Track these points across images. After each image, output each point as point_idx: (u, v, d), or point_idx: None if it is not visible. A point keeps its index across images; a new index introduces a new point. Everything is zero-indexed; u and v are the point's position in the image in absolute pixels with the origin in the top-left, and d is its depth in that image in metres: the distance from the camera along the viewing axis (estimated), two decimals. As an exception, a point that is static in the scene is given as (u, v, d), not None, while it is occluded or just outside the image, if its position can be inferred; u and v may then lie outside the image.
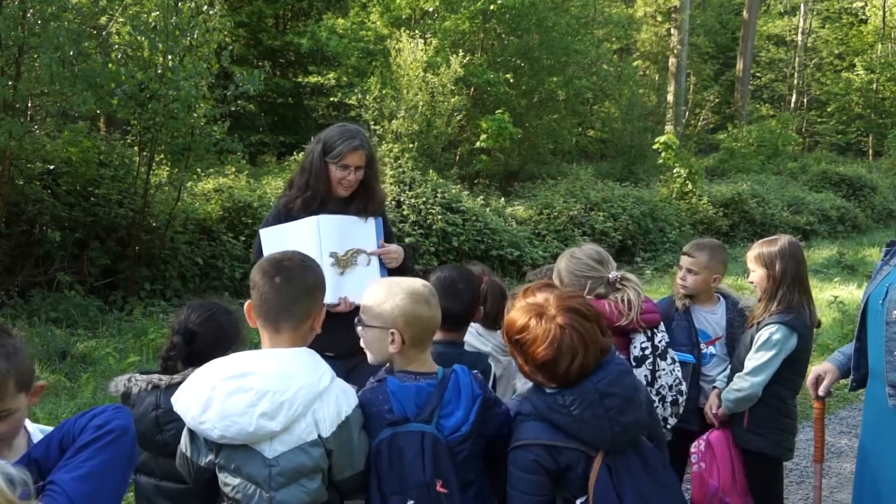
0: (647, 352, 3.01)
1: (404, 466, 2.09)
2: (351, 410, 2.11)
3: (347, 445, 2.10)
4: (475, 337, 2.94)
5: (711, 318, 3.56)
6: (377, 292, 2.28)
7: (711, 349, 3.52)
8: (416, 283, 2.32)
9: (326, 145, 3.33)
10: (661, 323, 3.13)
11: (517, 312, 2.21)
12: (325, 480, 2.11)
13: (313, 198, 3.33)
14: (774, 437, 3.27)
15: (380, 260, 3.37)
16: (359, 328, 2.31)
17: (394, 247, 3.43)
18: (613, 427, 2.07)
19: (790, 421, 3.32)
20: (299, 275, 2.18)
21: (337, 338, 2.83)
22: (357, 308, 2.86)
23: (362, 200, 3.41)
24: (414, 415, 2.13)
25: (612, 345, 2.25)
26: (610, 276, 2.99)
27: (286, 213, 3.35)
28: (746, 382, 3.21)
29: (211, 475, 2.13)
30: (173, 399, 2.12)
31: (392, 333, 2.22)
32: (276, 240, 3.23)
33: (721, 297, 3.61)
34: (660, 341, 3.05)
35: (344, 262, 3.29)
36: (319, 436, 2.05)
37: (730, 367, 3.42)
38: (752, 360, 3.22)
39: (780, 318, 3.20)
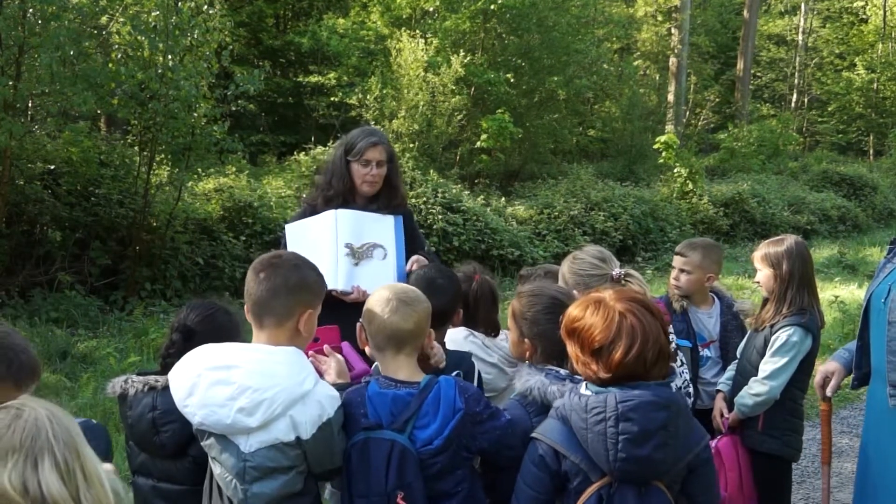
0: None
1: (370, 472, 2.10)
2: (333, 413, 2.12)
3: (326, 444, 2.11)
4: (481, 348, 2.89)
5: (707, 321, 3.52)
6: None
7: (707, 352, 3.48)
8: (395, 286, 2.36)
9: (348, 145, 3.50)
10: (671, 325, 3.12)
11: (575, 306, 2.17)
12: (302, 473, 2.12)
13: (335, 195, 3.49)
14: (787, 438, 3.25)
15: (397, 256, 3.44)
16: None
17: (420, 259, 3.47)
18: (618, 453, 1.96)
19: (800, 421, 3.31)
20: (283, 272, 2.20)
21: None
22: None
23: (385, 198, 3.55)
24: (388, 422, 2.13)
25: (671, 373, 2.17)
26: (613, 273, 2.99)
27: (311, 210, 3.53)
28: (766, 387, 3.16)
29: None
30: (170, 375, 2.17)
31: (360, 329, 2.33)
32: (298, 234, 3.45)
33: (716, 299, 3.57)
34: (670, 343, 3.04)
35: (359, 253, 3.39)
36: (298, 438, 2.06)
37: (734, 369, 3.39)
38: (770, 363, 3.17)
39: (796, 320, 3.17)
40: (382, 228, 3.46)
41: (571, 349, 2.15)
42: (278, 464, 2.06)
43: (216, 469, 2.13)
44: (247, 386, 2.03)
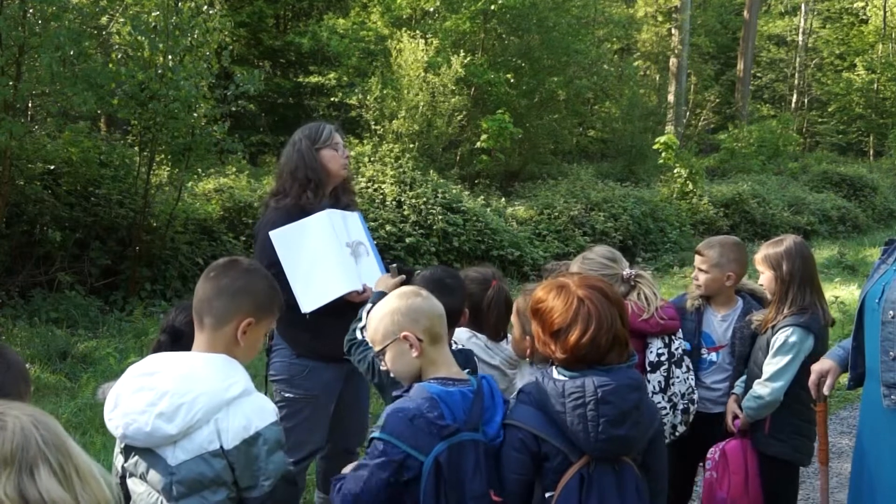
0: (664, 358, 2.98)
1: (464, 479, 2.04)
2: (264, 426, 1.99)
3: (254, 464, 1.97)
4: (483, 350, 2.86)
5: (719, 325, 3.42)
6: (371, 320, 2.28)
7: (713, 356, 3.39)
8: (399, 289, 2.35)
9: (313, 136, 3.40)
10: (680, 330, 3.11)
11: (541, 288, 2.27)
12: (231, 496, 2.00)
13: (317, 187, 3.35)
14: (796, 442, 3.21)
15: (374, 251, 3.45)
16: (380, 362, 2.28)
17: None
18: (598, 434, 2.04)
19: (809, 425, 3.25)
20: (232, 274, 2.15)
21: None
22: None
23: (345, 193, 3.55)
24: (463, 422, 2.08)
25: (633, 354, 2.23)
26: (624, 273, 2.98)
27: (299, 211, 3.28)
28: (767, 389, 3.13)
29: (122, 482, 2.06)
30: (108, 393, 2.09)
31: (406, 338, 2.17)
32: (290, 240, 3.21)
33: (740, 303, 3.44)
34: (676, 348, 3.02)
35: (355, 252, 3.37)
36: (221, 447, 1.95)
37: (746, 373, 3.33)
38: (770, 364, 3.14)
39: (795, 321, 3.14)
40: (357, 226, 3.45)
41: (535, 328, 2.25)
42: (203, 476, 1.94)
43: (138, 488, 2.00)
44: (166, 390, 1.94)
